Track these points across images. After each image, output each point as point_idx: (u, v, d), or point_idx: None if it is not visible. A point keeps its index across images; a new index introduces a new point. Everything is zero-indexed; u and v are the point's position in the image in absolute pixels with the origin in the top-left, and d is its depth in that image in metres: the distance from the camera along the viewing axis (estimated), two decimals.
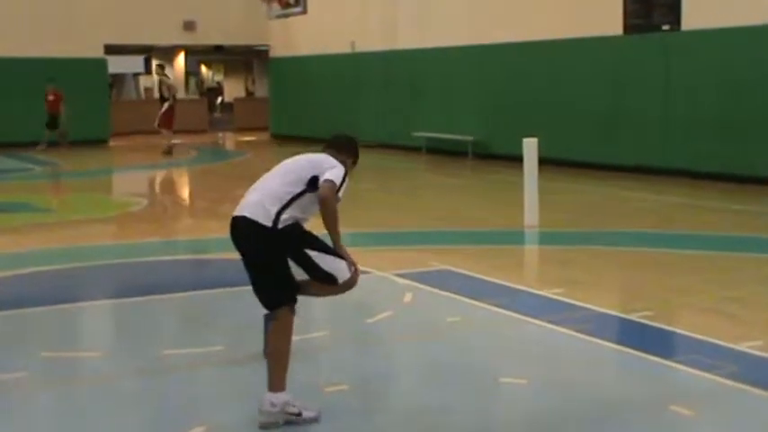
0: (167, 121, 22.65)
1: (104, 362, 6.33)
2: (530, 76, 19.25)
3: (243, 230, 5.05)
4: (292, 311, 5.03)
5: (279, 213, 4.96)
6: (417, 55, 22.48)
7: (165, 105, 22.69)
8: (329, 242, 5.24)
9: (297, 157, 5.29)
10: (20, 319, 7.44)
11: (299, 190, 5.02)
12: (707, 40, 15.63)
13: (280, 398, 4.93)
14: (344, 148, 5.41)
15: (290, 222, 5.00)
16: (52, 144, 23.79)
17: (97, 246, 10.89)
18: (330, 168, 5.08)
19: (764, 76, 14.82)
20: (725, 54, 15.40)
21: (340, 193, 5.07)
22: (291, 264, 5.15)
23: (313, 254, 5.17)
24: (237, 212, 5.09)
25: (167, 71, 25.86)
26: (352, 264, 5.24)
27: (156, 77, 23.21)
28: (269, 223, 4.95)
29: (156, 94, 24.34)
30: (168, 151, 22.41)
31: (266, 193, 5.04)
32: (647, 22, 16.64)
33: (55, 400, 5.62)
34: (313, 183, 5.02)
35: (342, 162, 5.23)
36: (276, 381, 4.99)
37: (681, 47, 16.12)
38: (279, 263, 5.03)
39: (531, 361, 6.22)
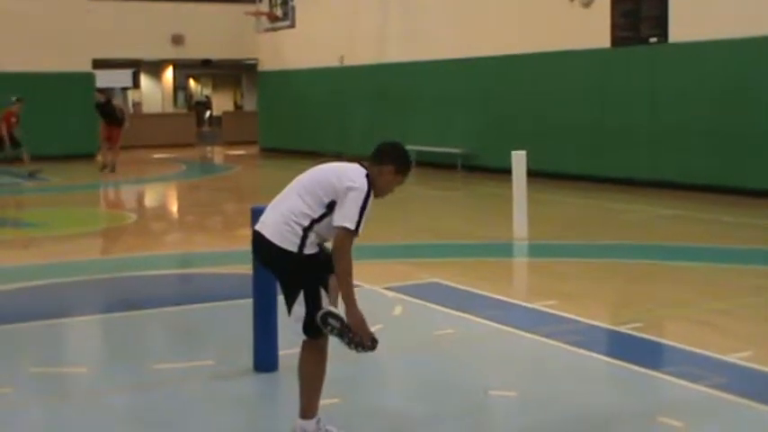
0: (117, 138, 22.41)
1: (93, 377, 6.30)
2: (519, 89, 19.31)
3: (267, 253, 4.76)
4: (325, 335, 4.75)
5: (304, 238, 4.64)
6: (406, 68, 22.53)
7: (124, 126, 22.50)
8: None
9: (323, 169, 4.78)
10: (7, 335, 7.39)
11: (319, 214, 4.63)
12: (694, 52, 15.71)
13: (310, 425, 4.76)
14: (381, 157, 4.79)
15: (315, 248, 4.69)
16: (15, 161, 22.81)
17: (85, 260, 10.85)
18: (349, 197, 4.57)
19: (751, 88, 14.90)
20: (712, 66, 15.48)
21: (361, 227, 4.57)
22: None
23: (323, 293, 4.73)
24: (260, 228, 4.78)
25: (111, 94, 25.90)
26: (368, 336, 4.66)
27: (101, 99, 22.96)
28: (294, 249, 4.65)
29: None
30: (109, 167, 21.94)
31: (288, 214, 4.66)
32: (635, 35, 16.72)
33: (42, 416, 5.58)
34: (332, 207, 4.62)
35: (378, 173, 4.73)
36: (307, 406, 4.78)
37: (668, 59, 16.19)
38: (308, 284, 4.68)
39: (521, 373, 6.22)
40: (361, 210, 4.56)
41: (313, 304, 4.69)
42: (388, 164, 4.78)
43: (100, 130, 22.85)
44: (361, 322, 4.66)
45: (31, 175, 21.44)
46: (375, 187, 4.71)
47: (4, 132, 21.88)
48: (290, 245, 4.66)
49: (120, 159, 21.98)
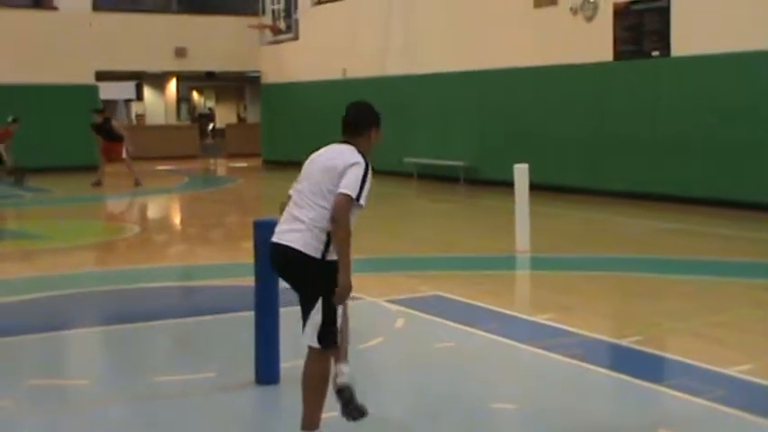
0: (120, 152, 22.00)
1: (93, 389, 6.31)
2: (521, 102, 19.34)
3: (292, 262, 4.76)
4: (334, 349, 4.86)
5: (327, 243, 4.71)
6: (409, 81, 22.58)
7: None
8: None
9: (321, 163, 4.84)
10: (7, 347, 7.40)
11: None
12: (696, 66, 15.74)
13: None
14: (361, 125, 4.93)
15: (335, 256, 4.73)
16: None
17: (86, 272, 10.88)
18: (347, 171, 4.69)
19: (752, 101, 14.92)
20: (713, 80, 15.50)
21: (362, 200, 4.70)
22: None
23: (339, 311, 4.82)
24: (280, 240, 4.80)
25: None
26: (338, 296, 4.73)
27: (98, 120, 22.49)
28: (318, 255, 4.71)
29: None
30: (135, 182, 21.82)
31: (309, 222, 4.72)
32: (637, 48, 16.76)
33: (42, 429, 5.59)
34: None
35: (366, 141, 4.89)
36: (310, 419, 4.84)
37: (670, 73, 16.23)
38: (329, 290, 4.73)
39: (522, 386, 6.24)
40: (362, 182, 4.70)
41: (329, 314, 4.75)
42: (372, 126, 4.95)
43: (99, 147, 22.06)
44: (348, 291, 4.73)
45: (17, 182, 21.73)
46: (367, 154, 4.87)
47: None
48: (314, 251, 4.71)
49: (126, 171, 21.90)
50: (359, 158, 4.77)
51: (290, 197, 4.95)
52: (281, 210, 5.00)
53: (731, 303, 8.67)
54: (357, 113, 4.98)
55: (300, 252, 4.72)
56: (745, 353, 6.92)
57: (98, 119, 22.31)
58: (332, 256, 4.73)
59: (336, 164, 4.75)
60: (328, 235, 4.71)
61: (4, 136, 22.38)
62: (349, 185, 4.66)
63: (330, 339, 4.79)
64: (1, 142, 22.33)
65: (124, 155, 21.80)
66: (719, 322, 7.85)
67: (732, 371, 6.30)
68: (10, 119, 22.32)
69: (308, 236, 4.72)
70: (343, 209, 4.64)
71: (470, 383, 6.28)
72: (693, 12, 15.81)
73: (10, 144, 22.34)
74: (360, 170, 4.71)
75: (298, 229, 4.75)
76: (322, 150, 4.96)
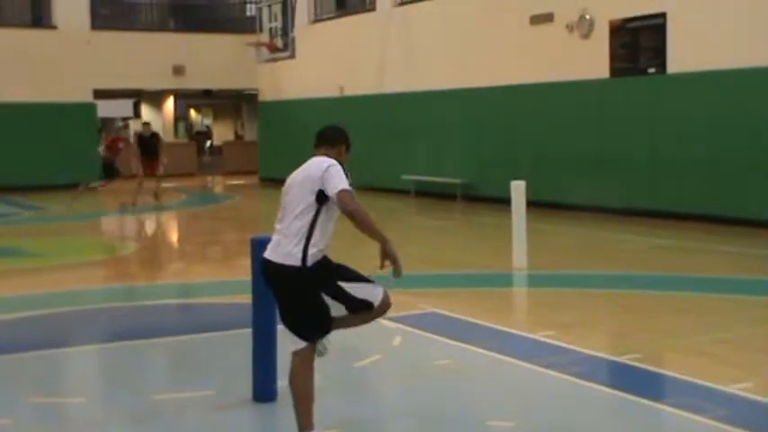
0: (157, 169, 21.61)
1: (93, 407, 6.29)
2: (518, 120, 19.37)
3: (275, 275, 5.07)
4: (314, 349, 5.12)
5: (305, 250, 4.97)
6: (405, 98, 22.62)
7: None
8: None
9: (298, 178, 5.15)
10: (7, 365, 7.39)
11: (311, 215, 5.00)
12: (692, 83, 15.78)
13: None
14: (336, 140, 5.34)
15: (318, 257, 5.02)
16: None
17: (85, 290, 10.85)
18: (330, 172, 4.99)
19: (749, 118, 14.94)
20: (710, 97, 15.54)
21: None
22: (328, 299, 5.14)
23: (345, 285, 5.13)
24: (267, 255, 5.12)
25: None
26: (397, 269, 5.12)
27: (146, 133, 21.93)
28: (298, 263, 4.96)
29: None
30: (157, 198, 21.75)
31: (288, 234, 5.02)
32: (634, 65, 16.80)
33: None
34: (320, 198, 4.98)
35: (338, 154, 5.22)
36: (306, 420, 5.06)
37: (666, 90, 16.27)
38: (312, 296, 5.05)
39: (520, 404, 6.21)
40: (345, 176, 5.02)
41: (320, 313, 5.07)
42: (341, 144, 5.34)
43: (136, 163, 20.99)
44: (396, 255, 5.12)
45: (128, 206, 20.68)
46: None
47: (113, 155, 21.61)
48: (293, 260, 4.98)
49: (122, 188, 21.84)
50: (331, 161, 5.09)
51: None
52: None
53: (731, 320, 8.65)
54: (332, 130, 5.42)
55: (279, 264, 5.02)
56: (745, 370, 6.90)
57: (145, 132, 21.62)
58: (312, 260, 4.98)
59: (312, 172, 5.06)
60: (308, 239, 4.97)
61: (116, 142, 21.97)
62: (339, 183, 4.95)
63: (307, 332, 5.07)
64: (115, 153, 21.94)
65: (161, 170, 21.33)
66: (720, 339, 7.83)
67: (733, 388, 6.28)
68: (122, 124, 21.96)
69: (287, 245, 5.00)
70: (349, 201, 4.91)
71: (468, 401, 6.25)
72: (689, 29, 15.86)
73: (119, 151, 21.92)
74: (337, 168, 5.03)
75: (278, 242, 5.07)
76: (298, 169, 5.24)
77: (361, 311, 5.21)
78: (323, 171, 4.99)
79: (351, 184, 4.99)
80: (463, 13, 20.83)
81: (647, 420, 5.85)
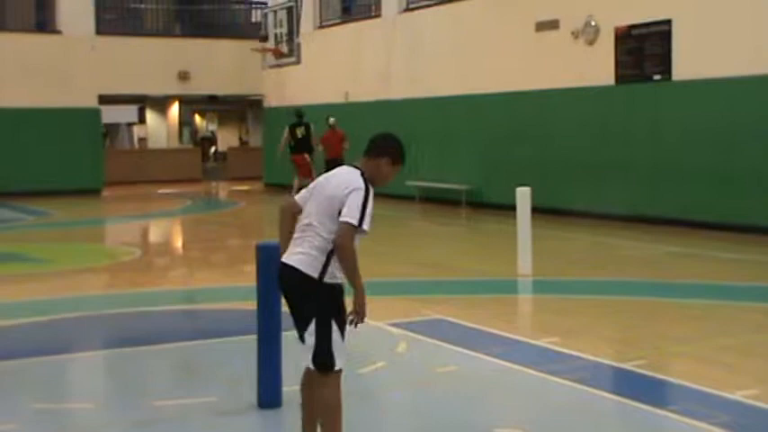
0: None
1: (96, 413, 6.29)
2: (523, 126, 19.35)
3: (290, 279, 4.84)
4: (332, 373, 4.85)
5: (325, 266, 4.76)
6: (410, 105, 22.61)
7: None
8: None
9: (329, 186, 4.86)
10: (11, 371, 7.38)
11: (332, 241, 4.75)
12: (697, 90, 15.76)
13: None
14: (378, 151, 4.96)
15: (335, 279, 4.81)
16: None
17: (89, 296, 10.85)
18: (350, 198, 4.71)
19: (753, 125, 14.92)
20: (715, 104, 15.52)
21: (365, 225, 4.70)
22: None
23: (334, 327, 4.82)
24: (287, 260, 4.85)
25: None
26: (357, 319, 4.84)
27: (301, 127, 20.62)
28: (315, 274, 4.76)
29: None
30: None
31: (309, 247, 4.79)
32: (639, 72, 16.79)
33: None
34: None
35: (375, 167, 4.90)
36: None
37: (672, 97, 16.25)
38: (330, 317, 4.81)
39: (525, 411, 6.20)
40: (362, 207, 4.71)
41: (324, 337, 4.77)
42: (384, 156, 4.96)
43: (297, 163, 20.66)
44: (364, 311, 4.85)
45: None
46: (373, 180, 4.89)
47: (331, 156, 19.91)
48: (313, 271, 4.75)
49: (127, 194, 21.86)
50: (359, 183, 4.79)
51: (288, 201, 5.06)
52: (282, 213, 5.06)
53: (736, 327, 8.63)
54: (380, 140, 5.07)
55: (300, 272, 4.78)
56: (750, 377, 6.88)
57: (301, 126, 20.80)
58: (330, 280, 4.78)
59: (338, 192, 4.77)
60: (328, 258, 4.75)
61: (338, 141, 20.56)
62: (350, 213, 4.69)
63: (326, 363, 4.78)
64: (335, 148, 20.35)
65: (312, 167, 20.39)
66: (724, 346, 7.81)
67: (738, 395, 6.26)
68: (332, 120, 20.82)
69: (309, 258, 4.78)
70: (346, 237, 4.68)
71: (473, 408, 6.24)
72: (695, 36, 15.84)
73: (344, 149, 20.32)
74: (359, 196, 4.73)
75: (301, 252, 4.82)
76: (331, 174, 4.99)
77: (319, 364, 4.82)
78: (345, 195, 4.73)
79: (363, 221, 4.69)
80: (468, 20, 20.84)
81: (653, 427, 5.83)
